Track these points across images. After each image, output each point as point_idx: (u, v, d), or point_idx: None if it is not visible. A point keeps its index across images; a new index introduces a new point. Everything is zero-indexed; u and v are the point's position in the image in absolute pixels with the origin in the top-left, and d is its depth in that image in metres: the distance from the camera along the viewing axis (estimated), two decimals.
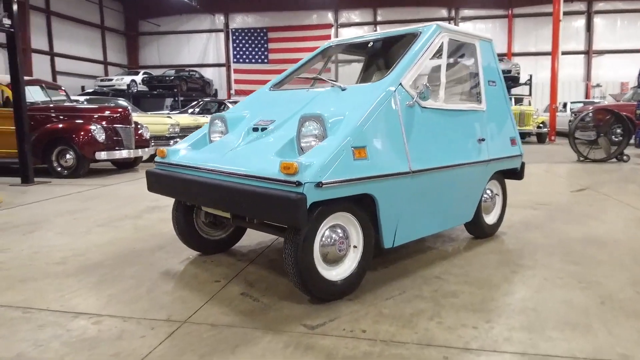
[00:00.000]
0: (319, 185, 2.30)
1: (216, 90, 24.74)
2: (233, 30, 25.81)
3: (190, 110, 14.41)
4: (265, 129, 3.04)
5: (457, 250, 3.62)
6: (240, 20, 26.23)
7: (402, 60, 3.05)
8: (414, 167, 2.85)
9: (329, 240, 2.56)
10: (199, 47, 26.68)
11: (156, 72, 22.99)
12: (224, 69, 25.95)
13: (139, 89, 20.28)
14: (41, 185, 7.17)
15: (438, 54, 3.28)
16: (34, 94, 8.49)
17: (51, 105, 8.43)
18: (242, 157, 2.82)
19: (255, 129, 3.09)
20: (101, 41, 25.04)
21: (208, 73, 25.19)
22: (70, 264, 3.32)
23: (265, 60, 24.97)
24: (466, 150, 3.37)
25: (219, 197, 2.66)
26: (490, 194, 3.93)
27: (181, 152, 3.24)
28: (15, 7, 6.92)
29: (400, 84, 2.91)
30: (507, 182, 4.16)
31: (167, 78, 21.02)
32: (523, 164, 4.14)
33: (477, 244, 3.77)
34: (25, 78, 9.42)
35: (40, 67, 20.34)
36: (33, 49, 19.98)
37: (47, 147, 7.90)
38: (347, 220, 2.67)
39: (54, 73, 21.77)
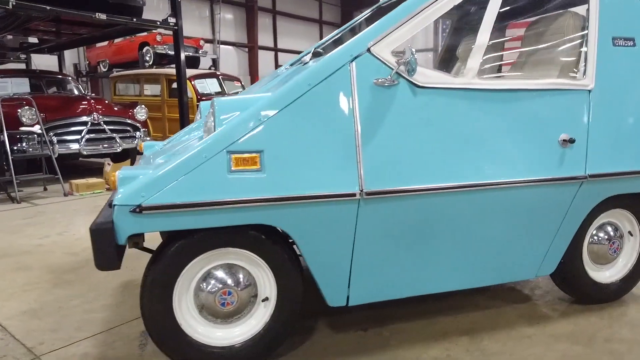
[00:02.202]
0: (137, 210, 1.53)
1: None
2: None
3: None
4: None
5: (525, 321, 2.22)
6: None
7: (387, 15, 1.90)
8: (372, 186, 1.74)
9: (209, 287, 1.75)
10: None
11: None
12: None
13: None
14: None
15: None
16: (210, 86, 9.36)
17: (213, 95, 9.16)
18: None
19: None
20: (318, 35, 26.82)
21: None
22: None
23: None
24: (525, 158, 1.98)
25: None
26: (609, 234, 2.31)
27: None
28: (178, 6, 7.61)
29: (369, 49, 1.80)
30: None
31: None
32: None
33: (578, 314, 2.25)
34: (204, 71, 10.50)
35: (265, 62, 22.94)
36: (260, 46, 22.63)
37: None
38: (251, 262, 1.80)
39: (277, 67, 24.30)
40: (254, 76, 21.20)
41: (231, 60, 21.53)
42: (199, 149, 1.61)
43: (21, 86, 7.40)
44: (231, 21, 21.30)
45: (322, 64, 1.77)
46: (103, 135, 6.96)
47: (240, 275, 1.80)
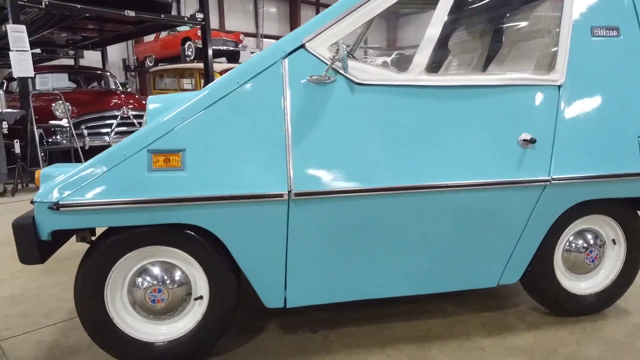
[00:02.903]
0: (54, 207, 1.56)
1: None
2: None
3: None
4: None
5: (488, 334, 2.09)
6: None
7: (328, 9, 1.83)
8: (302, 187, 1.69)
9: (141, 283, 1.78)
10: None
11: None
12: None
13: None
14: None
15: None
16: None
17: None
18: None
19: None
20: None
21: None
22: None
23: None
24: (479, 160, 1.85)
25: None
26: (588, 242, 2.13)
27: None
28: (206, 2, 7.74)
29: (303, 45, 1.75)
30: None
31: None
32: None
33: (547, 326, 2.10)
34: (234, 65, 10.62)
35: None
36: None
37: None
38: (184, 261, 1.80)
39: None
40: None
41: None
42: (119, 147, 1.63)
43: (60, 81, 7.82)
44: (274, 15, 21.44)
45: (253, 61, 1.73)
46: (133, 128, 7.24)
47: (174, 274, 1.81)
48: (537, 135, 1.90)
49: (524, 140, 1.88)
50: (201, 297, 1.83)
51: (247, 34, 18.71)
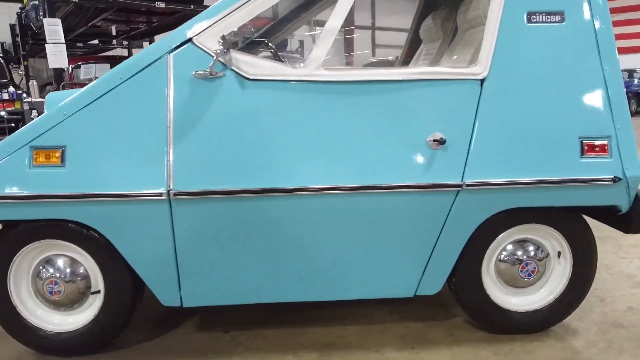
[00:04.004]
0: None
1: None
2: None
3: None
4: None
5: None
6: None
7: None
8: (181, 186, 1.65)
9: (42, 274, 1.83)
10: None
11: None
12: None
13: None
14: None
15: None
16: None
17: None
18: None
19: None
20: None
21: None
22: None
23: None
24: (381, 161, 1.72)
25: None
26: (528, 253, 1.92)
27: None
28: None
29: (191, 39, 1.69)
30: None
31: None
32: None
33: (473, 344, 1.94)
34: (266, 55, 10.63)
35: (361, 42, 22.55)
36: (356, 25, 22.34)
37: None
38: (83, 255, 1.83)
39: (374, 47, 23.78)
40: (349, 58, 21.06)
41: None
42: (4, 143, 1.67)
43: (103, 71, 8.26)
44: None
45: (138, 56, 1.70)
46: None
47: (74, 267, 1.84)
48: (451, 135, 1.72)
49: (434, 140, 1.71)
50: (98, 292, 1.86)
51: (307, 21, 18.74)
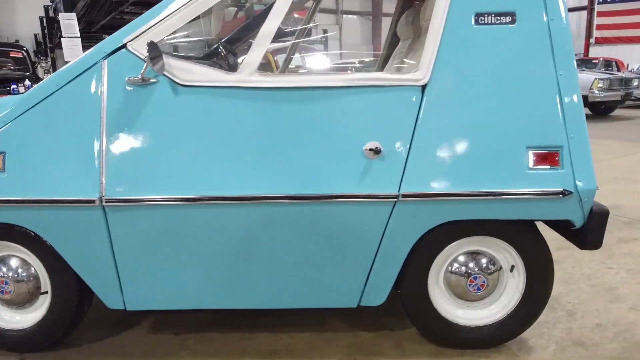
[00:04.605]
0: None
1: None
2: None
3: None
4: None
5: None
6: None
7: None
8: (114, 193, 1.66)
9: None
10: None
11: None
12: (584, 12, 20.96)
13: None
14: None
15: None
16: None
17: None
18: None
19: None
20: None
21: None
22: None
23: None
24: (315, 170, 1.67)
25: None
26: (475, 266, 1.84)
27: None
28: None
29: (125, 45, 1.68)
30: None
31: None
32: (601, 214, 1.70)
33: (418, 356, 1.88)
34: (285, 45, 10.59)
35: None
36: (384, 13, 21.93)
37: None
38: (29, 257, 1.88)
39: None
40: (376, 45, 20.75)
41: (354, 30, 21.36)
42: None
43: None
44: None
45: (75, 63, 1.71)
46: None
47: (25, 268, 1.89)
48: (389, 144, 1.65)
49: (369, 149, 1.65)
50: (46, 292, 1.91)
51: (325, 10, 18.53)
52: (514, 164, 1.65)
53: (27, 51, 7.83)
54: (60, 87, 1.69)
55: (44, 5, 9.60)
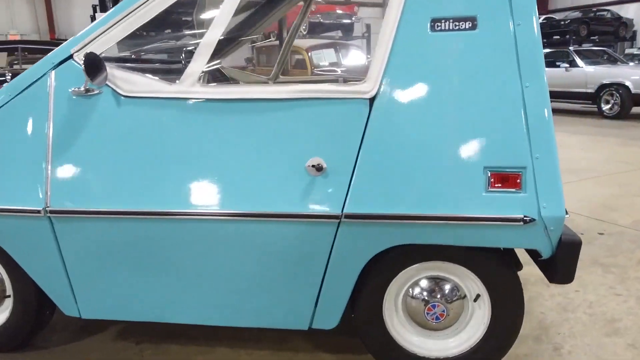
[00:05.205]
0: None
1: (635, 32, 18.95)
2: None
3: None
4: None
5: None
6: None
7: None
8: (58, 204, 1.67)
9: None
10: None
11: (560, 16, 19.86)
12: None
13: None
14: None
15: None
16: (326, 56, 9.38)
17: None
18: None
19: None
20: None
21: (629, 11, 19.54)
22: None
23: None
24: (255, 186, 1.59)
25: None
26: (437, 293, 1.69)
27: None
28: None
29: (72, 56, 1.67)
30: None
31: (562, 22, 17.88)
32: (572, 244, 1.51)
33: None
34: (322, 42, 10.45)
35: None
36: None
37: None
38: None
39: None
40: None
41: None
42: None
43: None
44: None
45: (26, 73, 1.72)
46: None
47: None
48: (332, 161, 1.54)
49: (312, 166, 1.54)
50: (9, 296, 1.95)
51: (373, 4, 18.15)
52: (469, 185, 1.49)
53: None
54: (12, 98, 1.71)
55: (92, 5, 10.05)
